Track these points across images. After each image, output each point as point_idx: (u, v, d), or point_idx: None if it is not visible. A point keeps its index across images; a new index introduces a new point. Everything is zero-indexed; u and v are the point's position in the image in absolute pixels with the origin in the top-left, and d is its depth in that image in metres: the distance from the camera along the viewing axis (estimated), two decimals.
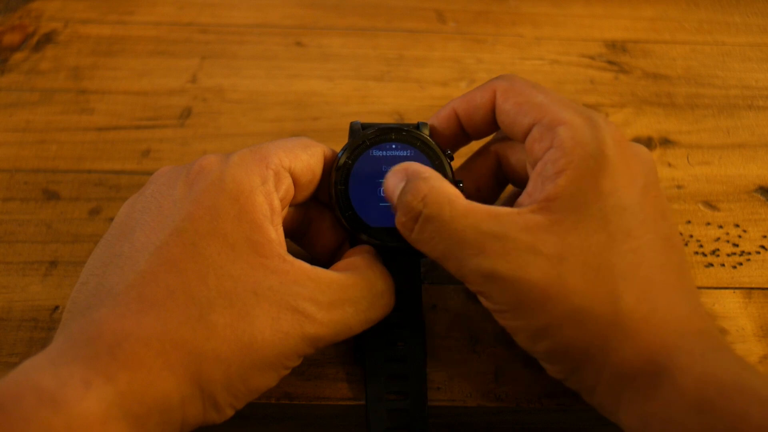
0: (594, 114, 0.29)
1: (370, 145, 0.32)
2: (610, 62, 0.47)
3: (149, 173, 0.39)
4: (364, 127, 0.32)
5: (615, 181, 0.28)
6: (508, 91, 0.31)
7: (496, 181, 0.34)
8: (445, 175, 0.31)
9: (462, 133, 0.34)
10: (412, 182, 0.28)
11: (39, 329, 0.34)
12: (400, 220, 0.29)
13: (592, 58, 0.48)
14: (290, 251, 0.28)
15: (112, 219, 0.36)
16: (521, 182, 0.33)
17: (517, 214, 0.27)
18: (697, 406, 0.24)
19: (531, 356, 0.33)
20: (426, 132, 0.32)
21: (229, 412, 0.26)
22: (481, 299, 0.29)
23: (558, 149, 0.28)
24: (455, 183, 0.32)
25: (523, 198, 0.29)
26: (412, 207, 0.28)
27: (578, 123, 0.29)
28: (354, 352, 0.32)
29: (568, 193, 0.27)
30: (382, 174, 0.31)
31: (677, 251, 0.29)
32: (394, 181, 0.29)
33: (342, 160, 0.31)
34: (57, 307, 0.34)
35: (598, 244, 0.27)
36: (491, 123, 0.32)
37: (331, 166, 0.32)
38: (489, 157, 0.34)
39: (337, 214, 0.31)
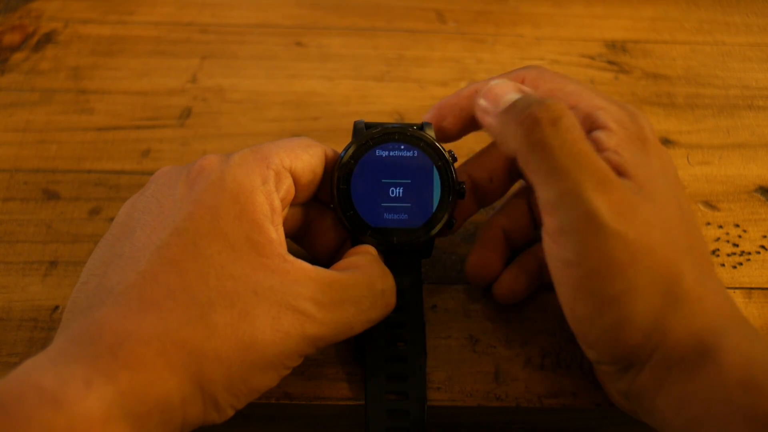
0: (624, 103, 0.30)
1: (374, 145, 0.32)
2: (610, 62, 0.47)
3: (149, 173, 0.39)
4: (368, 126, 0.32)
5: (659, 162, 0.28)
6: (539, 79, 0.31)
7: (509, 173, 0.34)
8: (448, 177, 0.31)
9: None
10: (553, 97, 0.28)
11: (39, 329, 0.34)
12: (533, 112, 0.26)
13: (592, 58, 0.48)
14: (291, 251, 0.28)
15: (112, 219, 0.36)
16: None
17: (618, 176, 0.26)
18: (742, 384, 0.24)
19: (531, 357, 0.33)
20: (430, 133, 0.32)
21: (230, 412, 0.26)
22: (554, 246, 0.26)
23: (604, 130, 0.28)
24: (458, 185, 0.32)
25: None
26: (555, 109, 0.26)
27: (614, 109, 0.29)
28: (354, 351, 0.32)
29: (637, 163, 0.27)
30: (384, 174, 0.31)
31: (705, 241, 0.29)
32: (507, 89, 0.28)
33: (345, 160, 0.31)
34: (57, 307, 0.34)
35: (672, 219, 0.27)
36: None
37: (332, 166, 0.32)
38: None
39: (339, 213, 0.31)
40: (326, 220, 0.33)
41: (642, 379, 0.27)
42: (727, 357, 0.25)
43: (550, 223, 0.27)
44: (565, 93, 0.30)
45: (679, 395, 0.26)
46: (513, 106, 0.27)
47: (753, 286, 0.36)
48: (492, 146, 0.34)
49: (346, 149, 0.32)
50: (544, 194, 0.26)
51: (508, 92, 0.28)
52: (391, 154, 0.32)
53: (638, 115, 0.29)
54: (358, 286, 0.28)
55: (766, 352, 0.25)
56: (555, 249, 0.27)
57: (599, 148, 0.28)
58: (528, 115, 0.26)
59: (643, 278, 0.26)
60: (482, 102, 0.29)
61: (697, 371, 0.25)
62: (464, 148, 0.41)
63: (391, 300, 0.30)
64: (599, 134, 0.28)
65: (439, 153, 0.32)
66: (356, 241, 0.32)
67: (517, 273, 0.33)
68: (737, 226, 0.39)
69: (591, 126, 0.28)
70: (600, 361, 0.28)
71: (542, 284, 0.34)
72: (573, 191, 0.25)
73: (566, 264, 0.26)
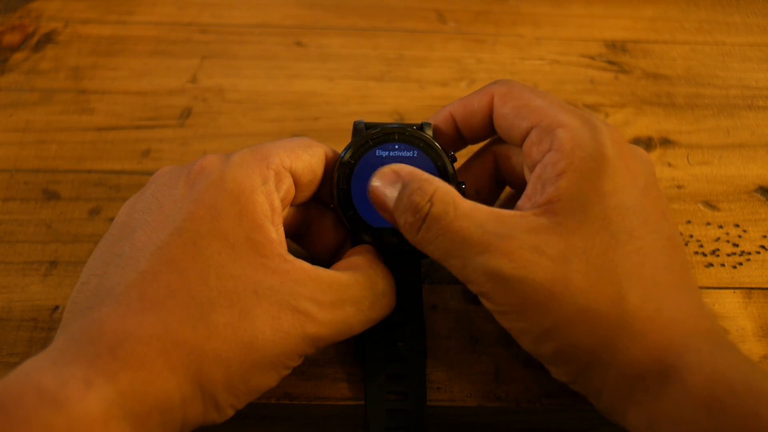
0: (592, 116, 0.30)
1: (374, 145, 0.32)
2: (610, 62, 0.47)
3: (149, 173, 0.39)
4: (368, 126, 0.32)
5: (615, 181, 0.28)
6: (506, 95, 0.31)
7: (495, 183, 0.34)
8: (448, 177, 0.31)
9: (458, 137, 0.34)
10: (416, 182, 0.28)
11: (39, 329, 0.34)
12: (407, 221, 0.28)
13: (592, 58, 0.48)
14: (291, 251, 0.28)
15: (112, 219, 0.36)
16: (519, 184, 0.32)
17: (520, 216, 0.27)
18: (707, 405, 0.24)
19: (531, 357, 0.33)
20: (429, 132, 0.32)
21: (230, 412, 0.26)
22: (484, 301, 0.28)
23: (557, 151, 0.28)
24: (458, 185, 0.32)
25: (523, 201, 0.29)
26: (420, 207, 0.28)
27: (576, 125, 0.29)
28: (354, 351, 0.32)
29: (570, 195, 0.27)
30: None
31: (679, 251, 0.29)
32: (385, 184, 0.29)
33: (345, 160, 0.31)
34: (57, 307, 0.34)
35: (602, 245, 0.27)
36: (488, 127, 0.32)
37: (332, 166, 0.32)
38: (488, 158, 0.34)
39: (339, 213, 0.31)
40: (326, 220, 0.33)
41: (607, 398, 0.27)
42: (691, 377, 0.25)
43: (471, 289, 0.28)
44: (530, 109, 0.30)
45: (647, 415, 0.26)
46: (395, 208, 0.29)
47: (753, 286, 0.36)
48: (475, 156, 0.35)
49: (347, 149, 0.32)
50: (452, 272, 0.28)
51: (387, 191, 0.29)
52: (391, 154, 0.32)
53: (601, 130, 0.29)
54: (359, 286, 0.28)
55: (730, 369, 0.25)
56: (485, 304, 0.28)
57: (546, 174, 0.28)
58: (402, 223, 0.29)
59: (568, 309, 0.26)
60: (374, 198, 0.30)
61: (663, 391, 0.25)
62: (464, 148, 0.41)
63: (392, 300, 0.30)
64: (550, 157, 0.28)
65: (438, 153, 0.32)
66: (356, 241, 0.32)
67: None
68: (737, 226, 0.39)
69: (550, 145, 0.28)
70: (562, 381, 0.29)
71: None
72: (465, 266, 0.27)
73: (498, 314, 0.28)
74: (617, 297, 0.26)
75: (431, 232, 0.28)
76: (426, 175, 0.29)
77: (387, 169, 0.29)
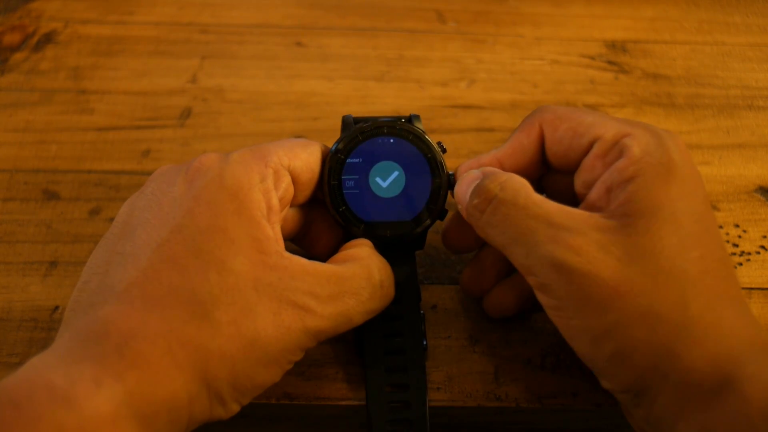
0: (652, 126, 0.30)
1: (363, 139, 0.32)
2: (610, 62, 0.47)
3: (149, 173, 0.39)
4: (357, 121, 0.33)
5: (684, 187, 0.28)
6: (555, 120, 0.31)
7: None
8: (438, 168, 0.32)
9: None
10: (492, 173, 0.29)
11: (39, 329, 0.34)
12: (472, 203, 0.29)
13: (592, 58, 0.48)
14: (290, 251, 0.28)
15: (112, 219, 0.36)
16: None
17: (588, 215, 0.27)
18: (766, 416, 0.24)
19: (531, 357, 0.33)
20: (419, 125, 0.32)
21: (235, 408, 0.27)
22: (541, 296, 0.28)
23: (626, 158, 0.28)
24: (447, 176, 0.32)
25: (584, 207, 0.29)
26: (489, 190, 0.28)
27: (641, 133, 0.29)
28: (354, 346, 0.32)
29: (639, 198, 0.27)
30: (374, 168, 0.32)
31: (731, 265, 0.29)
32: (467, 180, 0.30)
33: (334, 155, 0.32)
34: (57, 307, 0.34)
35: (670, 248, 0.27)
36: (539, 163, 0.32)
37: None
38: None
39: (331, 209, 0.31)
40: (326, 221, 0.33)
41: (660, 406, 0.26)
42: (751, 387, 0.24)
43: (530, 282, 0.28)
44: (586, 126, 0.30)
45: (701, 424, 0.25)
46: (469, 198, 0.30)
47: (753, 286, 0.36)
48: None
49: (336, 144, 0.32)
50: (514, 261, 0.29)
51: (467, 190, 0.30)
52: (381, 147, 0.32)
53: (665, 137, 0.29)
54: (357, 278, 0.28)
55: None
56: (542, 299, 0.28)
57: (613, 180, 0.28)
58: (467, 206, 0.29)
59: (632, 308, 0.26)
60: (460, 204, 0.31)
61: (719, 401, 0.25)
62: (464, 149, 0.42)
63: (390, 291, 0.30)
64: (619, 164, 0.28)
65: (428, 145, 0.32)
66: (350, 237, 0.32)
67: (507, 290, 0.33)
68: (737, 226, 0.39)
69: (619, 153, 0.28)
70: (613, 389, 0.28)
71: (536, 305, 0.32)
72: (529, 254, 0.27)
73: (555, 309, 0.28)
74: (681, 302, 0.26)
75: (497, 215, 0.28)
76: (503, 172, 0.30)
77: (470, 170, 0.30)
